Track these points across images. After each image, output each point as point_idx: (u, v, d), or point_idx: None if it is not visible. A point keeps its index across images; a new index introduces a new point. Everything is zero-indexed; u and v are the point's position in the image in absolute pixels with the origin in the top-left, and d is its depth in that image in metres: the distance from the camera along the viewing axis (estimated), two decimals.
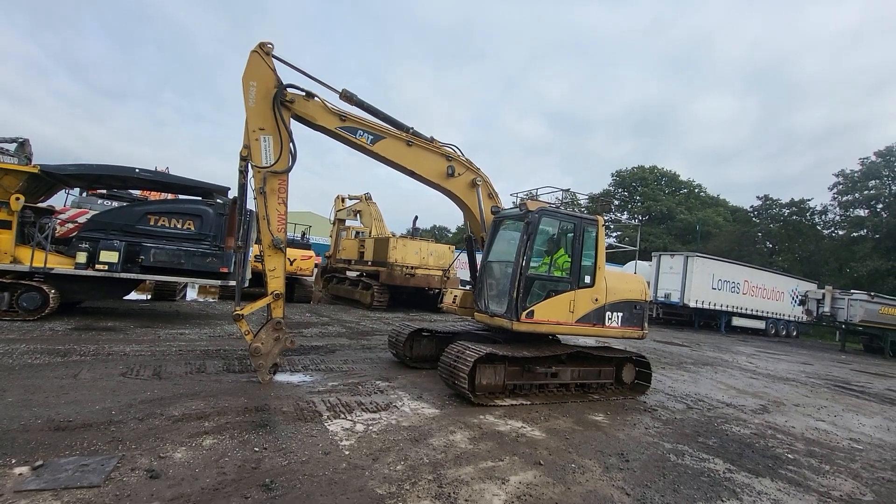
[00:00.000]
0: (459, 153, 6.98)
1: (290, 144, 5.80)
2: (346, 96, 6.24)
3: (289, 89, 5.81)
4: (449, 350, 5.89)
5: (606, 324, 6.64)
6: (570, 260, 6.43)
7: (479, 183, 7.01)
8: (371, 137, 6.36)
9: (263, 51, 5.68)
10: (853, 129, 78.42)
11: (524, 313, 5.94)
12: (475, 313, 6.87)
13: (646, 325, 7.05)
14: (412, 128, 6.61)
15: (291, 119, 5.98)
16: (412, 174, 6.73)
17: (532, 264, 6.15)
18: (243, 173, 5.72)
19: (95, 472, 3.08)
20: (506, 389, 5.99)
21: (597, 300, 6.50)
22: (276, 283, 5.78)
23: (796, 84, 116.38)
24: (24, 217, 8.50)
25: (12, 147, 9.98)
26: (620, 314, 6.74)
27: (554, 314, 6.19)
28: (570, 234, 6.50)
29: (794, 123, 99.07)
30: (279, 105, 5.70)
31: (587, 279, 6.46)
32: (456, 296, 7.28)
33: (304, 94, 5.98)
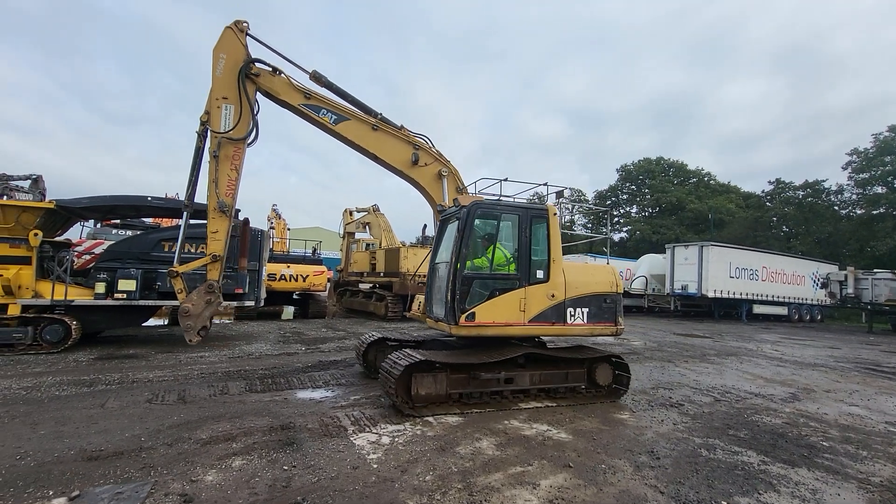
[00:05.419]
0: (430, 144, 7.01)
1: (253, 118, 6.00)
2: (316, 77, 6.44)
3: (256, 64, 6.01)
4: (388, 359, 5.58)
5: (569, 321, 5.98)
6: (515, 255, 5.90)
7: (445, 174, 6.95)
8: (334, 118, 6.51)
9: (238, 28, 5.93)
10: (888, 104, 70.30)
11: (463, 316, 5.44)
12: (427, 319, 6.51)
13: (620, 319, 6.31)
14: (381, 114, 6.73)
15: (259, 95, 6.17)
16: (375, 158, 6.79)
17: (470, 262, 5.70)
18: (201, 136, 5.94)
19: (130, 500, 3.11)
20: (450, 399, 5.52)
21: (553, 296, 5.89)
22: (215, 246, 5.98)
23: (828, 61, 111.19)
24: (42, 252, 8.72)
25: (27, 184, 10.31)
26: (586, 309, 6.06)
27: (501, 314, 5.62)
28: (515, 228, 5.94)
29: (824, 102, 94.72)
30: (244, 77, 5.91)
31: (539, 274, 5.86)
32: (421, 302, 6.87)
33: (270, 69, 6.19)
